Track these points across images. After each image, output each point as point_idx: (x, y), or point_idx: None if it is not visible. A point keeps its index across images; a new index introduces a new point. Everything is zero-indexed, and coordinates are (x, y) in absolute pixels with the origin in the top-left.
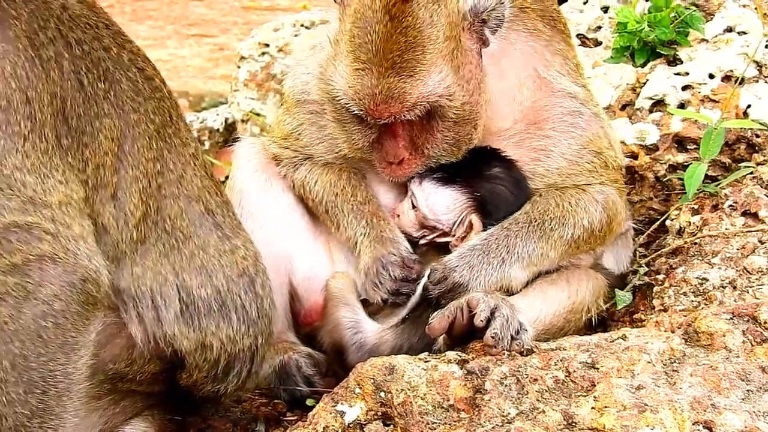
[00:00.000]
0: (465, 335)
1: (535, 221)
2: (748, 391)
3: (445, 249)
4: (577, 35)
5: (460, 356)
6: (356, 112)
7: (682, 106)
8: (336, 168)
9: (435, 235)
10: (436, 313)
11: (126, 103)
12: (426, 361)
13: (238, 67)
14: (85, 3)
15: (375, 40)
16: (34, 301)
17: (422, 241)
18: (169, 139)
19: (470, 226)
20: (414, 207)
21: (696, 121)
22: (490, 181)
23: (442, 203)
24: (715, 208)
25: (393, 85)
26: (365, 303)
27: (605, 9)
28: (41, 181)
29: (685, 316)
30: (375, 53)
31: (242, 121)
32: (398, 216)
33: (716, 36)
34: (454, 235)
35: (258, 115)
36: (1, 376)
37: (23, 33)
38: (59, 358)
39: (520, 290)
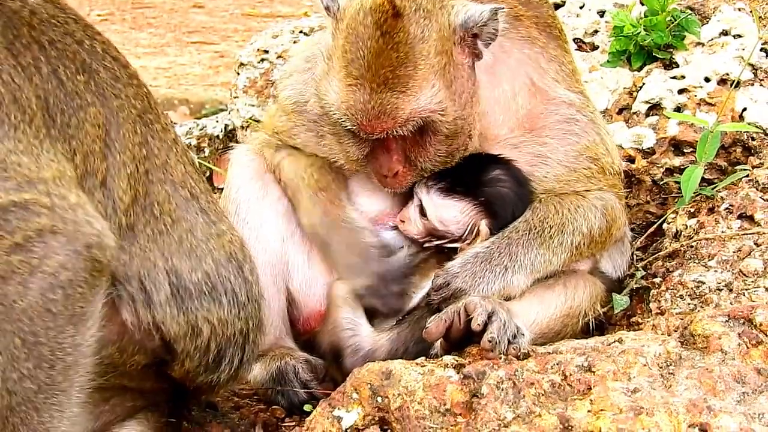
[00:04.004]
0: (462, 339)
1: (535, 228)
2: (743, 393)
3: (447, 252)
4: (574, 39)
5: (457, 360)
6: (349, 127)
7: (678, 109)
8: (312, 156)
9: (443, 242)
10: (433, 317)
11: (107, 90)
12: (423, 366)
13: (238, 73)
14: (51, 2)
15: (367, 56)
16: (41, 275)
17: (427, 245)
18: (151, 125)
19: (478, 232)
20: (423, 216)
21: (692, 124)
22: (492, 185)
23: (451, 214)
24: (711, 211)
25: (385, 101)
26: (368, 311)
27: (601, 13)
28: (35, 159)
29: (682, 319)
30: (367, 69)
31: (242, 127)
32: (402, 221)
33: (712, 39)
34: (464, 241)
35: (258, 121)
36: (13, 353)
37: (1, 44)
38: (68, 330)
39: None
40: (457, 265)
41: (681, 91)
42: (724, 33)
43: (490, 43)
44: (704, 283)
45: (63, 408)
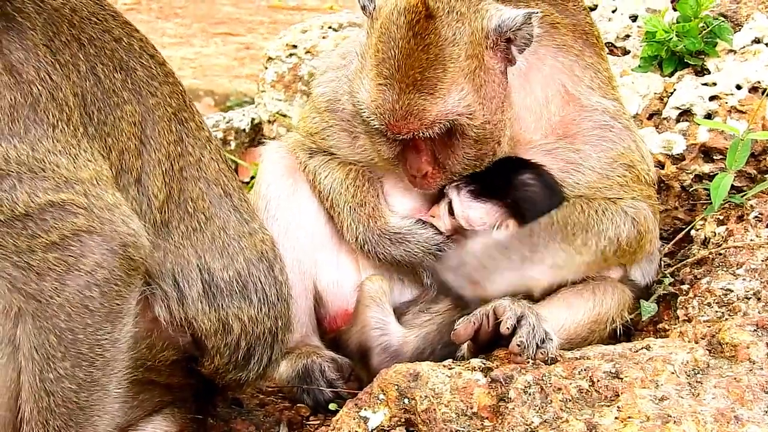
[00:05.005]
0: (490, 342)
1: (558, 223)
2: None
3: None
4: (606, 44)
5: (485, 364)
6: (377, 126)
7: (709, 116)
8: (346, 166)
9: None
10: (461, 319)
11: (143, 88)
12: (450, 368)
13: (266, 68)
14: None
15: (398, 56)
16: (77, 273)
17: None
18: (186, 123)
19: (507, 227)
20: (451, 215)
21: (722, 131)
22: (520, 188)
23: (477, 215)
24: (740, 219)
25: (413, 102)
26: (396, 310)
27: (634, 18)
28: (72, 160)
29: (709, 327)
30: (397, 69)
31: (269, 121)
32: (433, 216)
33: (744, 47)
34: None
35: (284, 116)
36: (49, 352)
37: (41, 41)
38: (106, 326)
39: (542, 295)
40: (478, 242)
41: (712, 98)
42: (757, 41)
43: (524, 49)
44: (732, 291)
45: (105, 405)
